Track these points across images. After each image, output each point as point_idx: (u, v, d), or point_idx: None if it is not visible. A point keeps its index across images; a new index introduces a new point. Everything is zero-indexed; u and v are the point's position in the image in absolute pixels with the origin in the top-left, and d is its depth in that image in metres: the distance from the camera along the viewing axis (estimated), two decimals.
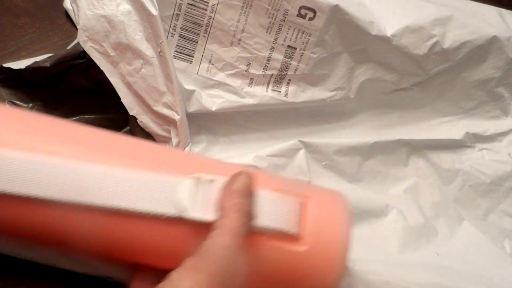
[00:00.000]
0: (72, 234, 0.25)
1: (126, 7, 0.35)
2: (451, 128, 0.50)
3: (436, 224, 0.46)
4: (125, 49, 0.36)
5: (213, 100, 0.41)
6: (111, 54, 0.36)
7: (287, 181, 0.30)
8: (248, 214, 0.24)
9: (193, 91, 0.41)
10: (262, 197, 0.26)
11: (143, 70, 0.37)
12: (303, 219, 0.26)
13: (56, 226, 0.25)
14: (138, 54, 0.36)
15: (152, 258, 0.26)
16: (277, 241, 0.26)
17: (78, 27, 0.36)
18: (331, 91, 0.43)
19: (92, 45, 0.36)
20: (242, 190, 0.24)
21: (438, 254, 0.43)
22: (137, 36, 0.36)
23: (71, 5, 0.46)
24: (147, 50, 0.36)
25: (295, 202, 0.27)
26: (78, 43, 0.37)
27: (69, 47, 0.46)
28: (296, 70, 0.41)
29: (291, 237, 0.26)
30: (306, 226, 0.26)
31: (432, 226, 0.45)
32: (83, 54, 0.39)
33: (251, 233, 0.24)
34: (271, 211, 0.26)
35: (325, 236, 0.26)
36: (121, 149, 0.27)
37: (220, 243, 0.22)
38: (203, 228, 0.24)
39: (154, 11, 0.35)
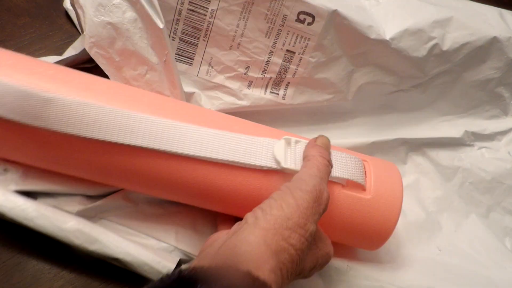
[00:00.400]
0: (189, 182, 0.32)
1: (132, 14, 0.36)
2: (450, 126, 0.50)
3: (441, 219, 0.46)
4: (130, 56, 0.37)
5: (212, 102, 0.42)
6: (116, 60, 0.37)
7: (346, 150, 0.37)
8: (329, 162, 0.31)
9: (193, 93, 0.42)
10: (335, 154, 0.34)
11: (147, 75, 0.37)
12: (365, 174, 0.34)
13: (181, 175, 0.32)
14: (143, 60, 0.37)
15: (244, 205, 0.33)
16: (349, 190, 0.34)
17: (84, 32, 0.36)
18: (329, 94, 0.43)
19: (98, 50, 0.37)
20: (324, 145, 0.32)
21: (440, 250, 0.43)
22: (142, 43, 0.36)
23: (73, 6, 0.47)
24: (152, 57, 0.36)
25: (359, 160, 0.35)
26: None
27: (69, 48, 0.46)
28: (294, 73, 0.41)
29: (359, 187, 0.34)
30: (367, 180, 0.34)
31: (436, 221, 0.46)
32: (92, 59, 0.39)
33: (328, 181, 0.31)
34: (343, 165, 0.33)
35: (384, 188, 0.34)
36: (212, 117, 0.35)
37: (309, 172, 0.29)
38: (288, 179, 0.30)
39: (160, 24, 0.35)
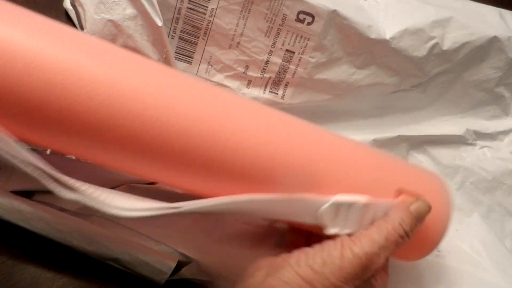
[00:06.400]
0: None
1: (132, 11, 0.36)
2: (452, 125, 0.51)
3: None
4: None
5: None
6: None
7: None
8: (406, 234, 0.29)
9: None
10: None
11: None
12: None
13: None
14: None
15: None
16: None
17: (84, 30, 0.37)
18: (329, 94, 0.44)
19: None
20: (416, 213, 0.30)
21: (439, 251, 0.43)
22: (143, 40, 0.37)
23: (73, 6, 0.48)
24: (153, 54, 0.37)
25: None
26: None
27: None
28: (294, 73, 0.42)
29: None
30: None
31: None
32: None
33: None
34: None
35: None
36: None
37: (374, 236, 0.28)
38: None
39: (159, 23, 0.36)
